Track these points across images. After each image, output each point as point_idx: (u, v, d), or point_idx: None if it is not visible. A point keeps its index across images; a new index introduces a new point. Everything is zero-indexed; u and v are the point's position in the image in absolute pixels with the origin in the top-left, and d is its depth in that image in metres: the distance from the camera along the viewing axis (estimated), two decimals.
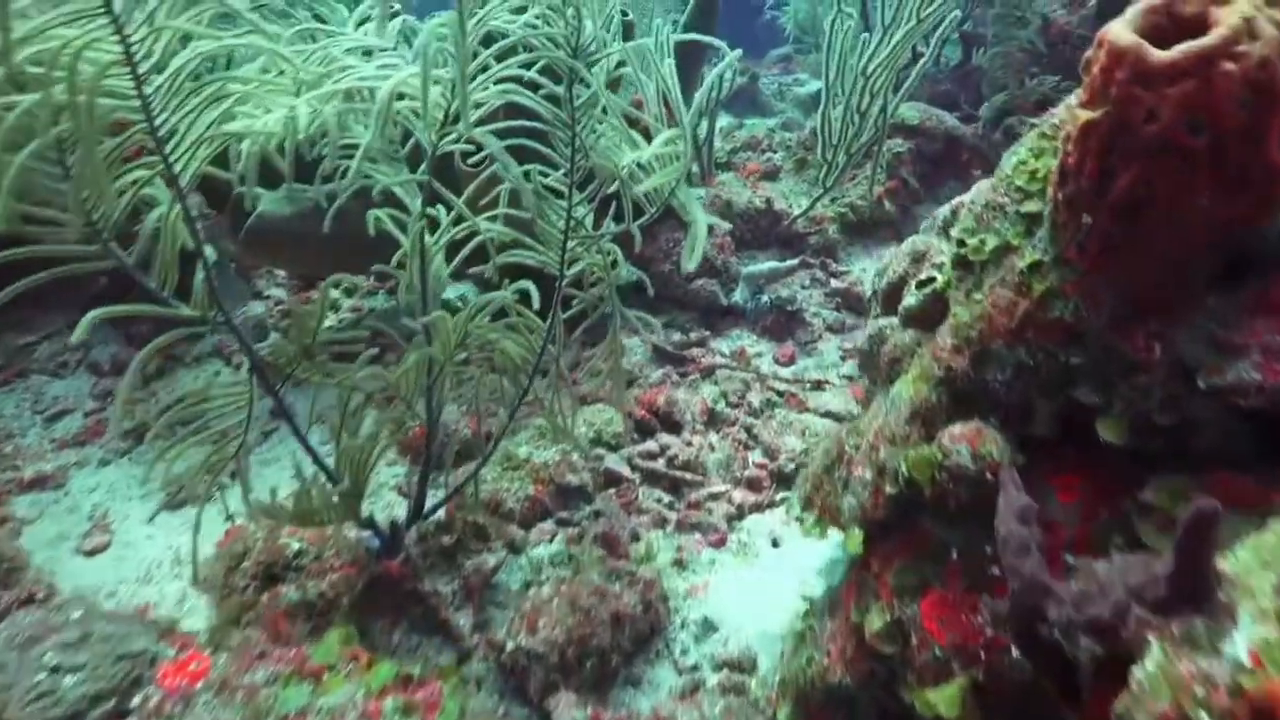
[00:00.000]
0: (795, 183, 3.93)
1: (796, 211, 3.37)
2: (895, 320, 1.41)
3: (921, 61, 2.89)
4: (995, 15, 4.34)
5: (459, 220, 1.87)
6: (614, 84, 2.18)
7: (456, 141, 1.72)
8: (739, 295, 3.00)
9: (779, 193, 3.60)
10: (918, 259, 1.43)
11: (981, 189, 1.32)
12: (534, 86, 1.79)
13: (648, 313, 3.06)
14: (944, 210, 1.45)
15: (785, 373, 2.76)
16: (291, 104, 1.61)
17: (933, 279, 1.36)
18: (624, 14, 2.79)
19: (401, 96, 1.66)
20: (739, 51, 1.76)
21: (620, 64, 1.85)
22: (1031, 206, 1.16)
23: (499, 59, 1.74)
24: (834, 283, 3.15)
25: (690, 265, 1.59)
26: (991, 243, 1.19)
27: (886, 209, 3.52)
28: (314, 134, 1.60)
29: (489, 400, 2.00)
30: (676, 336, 2.88)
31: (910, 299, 1.36)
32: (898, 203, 3.59)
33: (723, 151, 4.37)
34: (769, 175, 4.03)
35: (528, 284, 1.97)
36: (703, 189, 3.30)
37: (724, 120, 6.59)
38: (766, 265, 3.05)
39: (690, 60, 3.20)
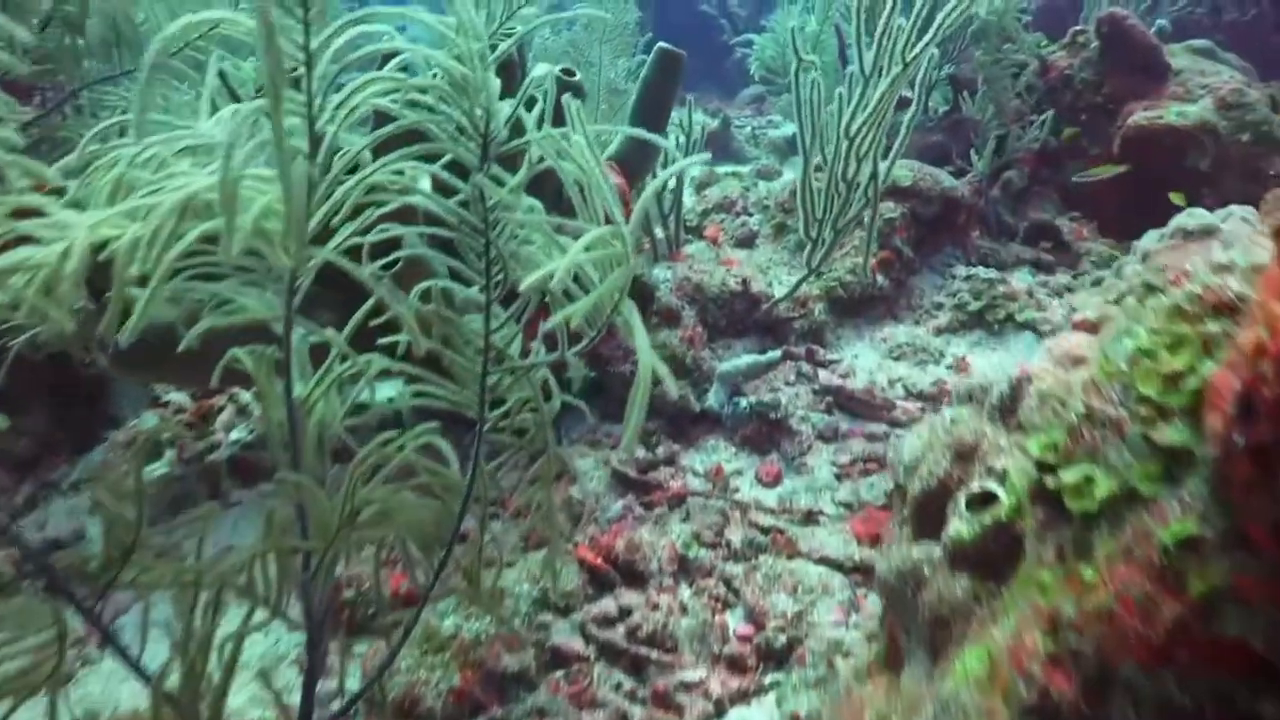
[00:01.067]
0: (774, 250, 3.50)
1: (777, 292, 2.94)
2: (936, 552, 0.96)
3: (909, 114, 2.47)
4: (980, 60, 3.95)
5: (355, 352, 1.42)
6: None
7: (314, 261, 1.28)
8: (713, 398, 2.56)
9: (756, 266, 3.17)
10: (964, 456, 0.99)
11: (1063, 366, 0.87)
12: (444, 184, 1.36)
13: (606, 421, 2.63)
14: (1000, 386, 1.00)
15: (770, 498, 2.30)
16: (83, 227, 1.15)
17: (993, 497, 0.91)
18: (568, 74, 2.35)
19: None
20: (706, 154, 1.33)
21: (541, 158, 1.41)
22: (1173, 436, 0.71)
23: (379, 152, 1.31)
24: (823, 376, 2.71)
25: (626, 448, 1.14)
26: (1105, 486, 0.74)
27: (879, 283, 3.10)
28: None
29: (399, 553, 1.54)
30: (640, 453, 2.42)
31: (961, 526, 0.92)
32: (892, 275, 3.17)
33: (693, 213, 3.94)
34: (745, 242, 3.60)
35: (435, 437, 1.52)
36: (670, 268, 2.86)
37: (695, 169, 6.19)
38: (744, 360, 2.61)
39: (654, 110, 2.78)
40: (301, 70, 1.14)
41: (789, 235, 3.50)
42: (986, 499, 0.91)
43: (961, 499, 0.93)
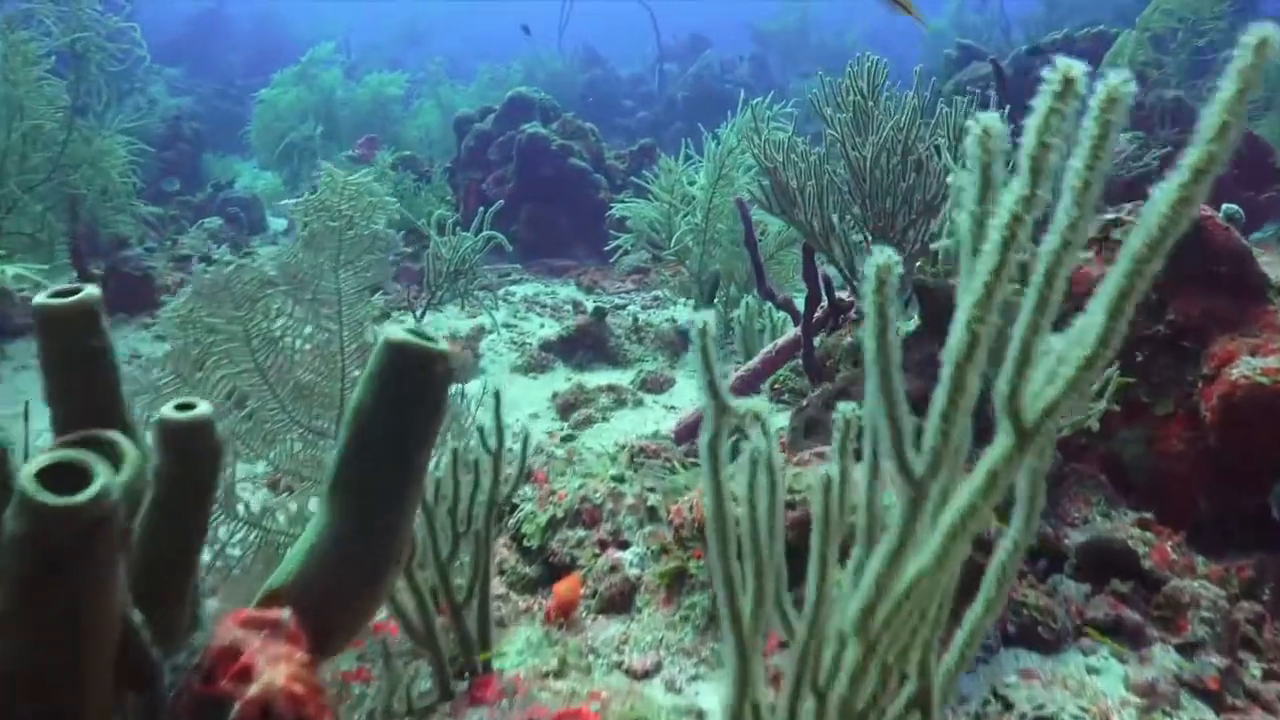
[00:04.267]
0: (667, 621, 1.96)
1: None
2: None
3: (1005, 550, 0.99)
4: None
5: None
6: None
7: None
8: None
9: (629, 676, 1.60)
10: None
11: None
12: None
13: None
14: None
15: None
16: None
17: None
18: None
19: None
20: None
21: None
22: None
23: None
24: None
25: None
26: None
27: None
28: None
29: None
30: None
31: None
32: None
33: (533, 532, 2.38)
34: (617, 604, 2.05)
35: None
36: None
37: (559, 376, 4.67)
38: None
39: (381, 465, 1.23)
40: None
41: (693, 595, 1.97)
42: None
43: None
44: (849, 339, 2.95)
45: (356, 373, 2.05)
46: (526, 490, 3.00)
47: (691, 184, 5.52)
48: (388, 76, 11.00)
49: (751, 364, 3.36)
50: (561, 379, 4.61)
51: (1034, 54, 8.55)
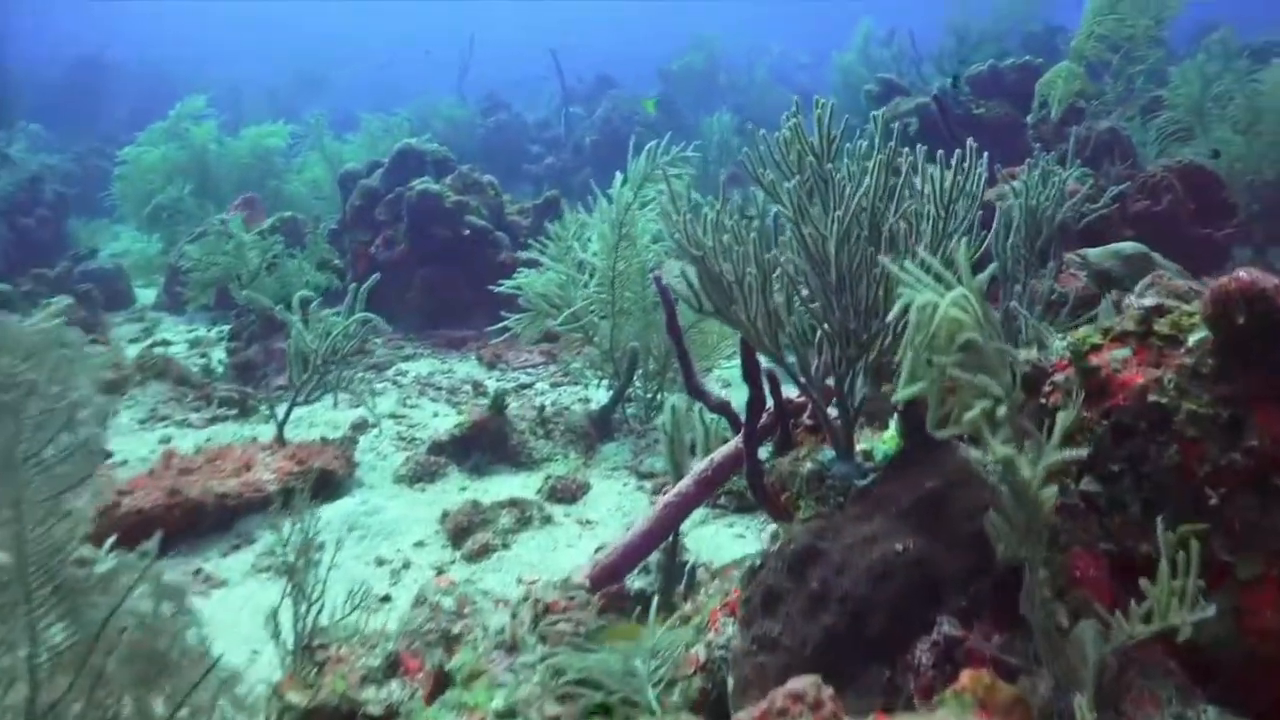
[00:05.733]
0: None
1: None
2: None
3: None
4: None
5: None
6: None
7: None
8: None
9: None
10: None
11: None
12: None
13: None
14: None
15: None
16: None
17: None
18: None
19: None
20: None
21: None
22: None
23: None
24: None
25: None
26: None
27: None
28: None
29: None
30: None
31: None
32: None
33: None
34: None
35: None
36: None
37: (452, 485, 3.87)
38: None
39: None
40: None
41: None
42: None
43: None
44: (809, 464, 2.27)
45: (56, 630, 1.27)
46: (394, 687, 2.29)
47: (588, 244, 4.82)
48: (268, 128, 10.12)
49: (683, 485, 2.65)
50: (455, 489, 3.83)
51: (955, 86, 8.14)
